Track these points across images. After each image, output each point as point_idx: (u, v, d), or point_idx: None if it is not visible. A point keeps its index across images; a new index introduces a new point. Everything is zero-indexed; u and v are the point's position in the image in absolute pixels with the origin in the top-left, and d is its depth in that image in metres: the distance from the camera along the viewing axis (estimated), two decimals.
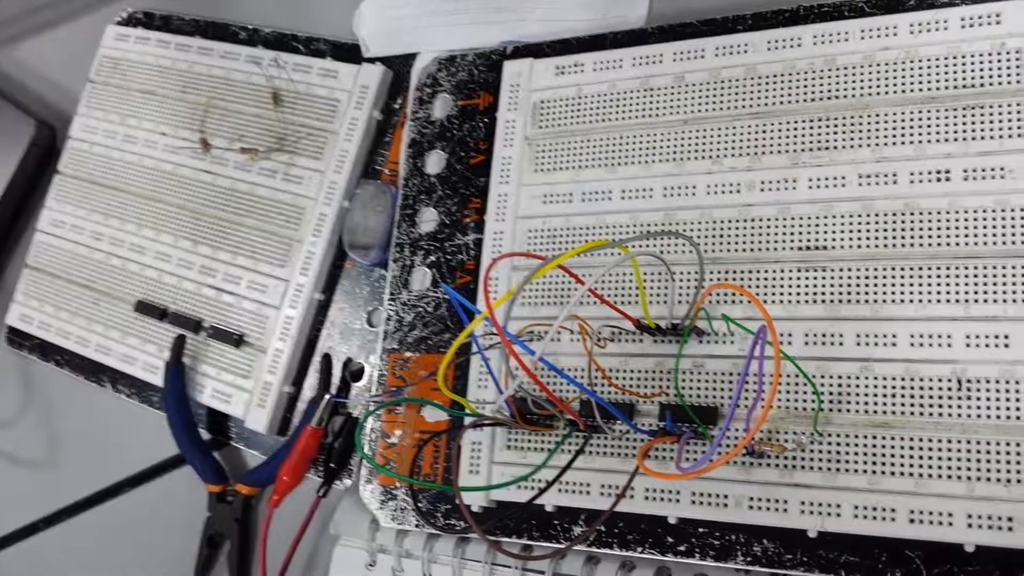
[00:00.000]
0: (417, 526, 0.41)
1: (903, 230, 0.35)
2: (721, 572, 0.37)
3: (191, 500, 0.52)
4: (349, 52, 0.54)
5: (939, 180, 0.35)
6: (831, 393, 0.34)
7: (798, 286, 0.36)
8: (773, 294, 0.36)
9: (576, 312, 0.38)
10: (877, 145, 0.36)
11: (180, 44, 0.60)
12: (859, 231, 0.35)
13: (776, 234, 0.37)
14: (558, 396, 0.38)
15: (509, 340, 0.27)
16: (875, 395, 0.34)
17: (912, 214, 0.35)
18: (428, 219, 0.46)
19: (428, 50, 0.49)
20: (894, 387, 0.33)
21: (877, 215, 0.35)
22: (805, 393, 0.35)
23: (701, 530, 0.36)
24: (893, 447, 0.33)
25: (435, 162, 0.46)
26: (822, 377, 0.35)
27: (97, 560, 0.55)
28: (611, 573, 0.38)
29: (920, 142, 0.35)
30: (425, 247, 0.45)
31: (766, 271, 0.37)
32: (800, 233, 0.36)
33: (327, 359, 0.49)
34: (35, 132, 0.62)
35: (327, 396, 0.46)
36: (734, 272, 0.37)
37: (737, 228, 0.38)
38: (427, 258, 0.45)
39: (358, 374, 0.49)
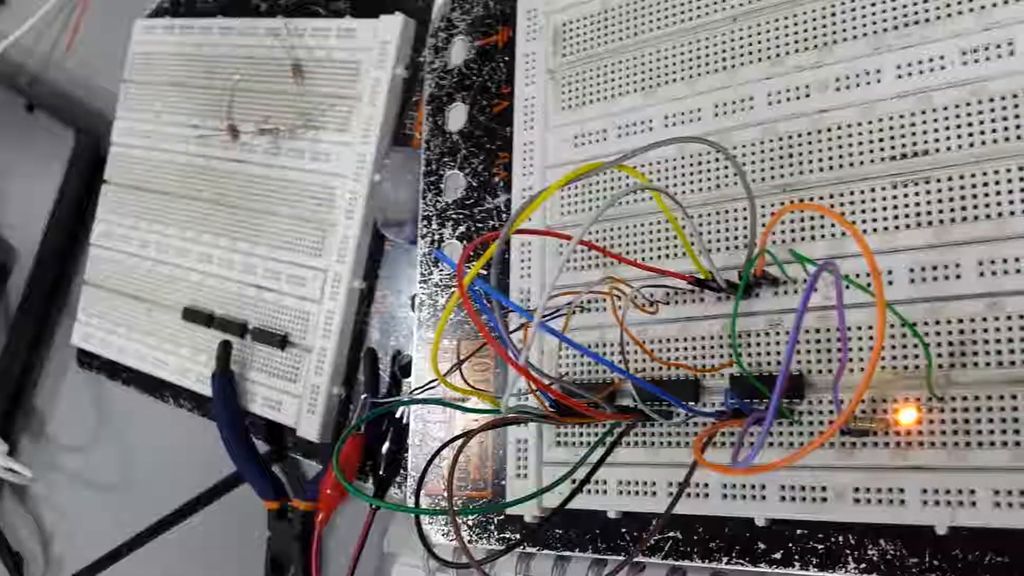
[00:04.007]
0: (470, 541, 0.35)
1: None
2: None
3: (256, 518, 0.48)
4: (370, 6, 0.48)
5: None
6: (951, 344, 0.26)
7: (895, 207, 0.27)
8: (864, 221, 0.28)
9: (610, 274, 0.31)
10: (983, 8, 0.27)
11: (203, 27, 0.55)
12: (969, 125, 0.27)
13: (861, 143, 0.28)
14: (600, 379, 0.32)
15: (470, 298, 0.21)
16: (1010, 341, 0.25)
17: None
18: (454, 184, 0.39)
19: None
20: None
21: (991, 100, 0.26)
22: (916, 347, 0.26)
23: (799, 532, 0.28)
24: None
25: (457, 116, 0.40)
26: (936, 324, 0.26)
27: None
28: None
29: None
30: (454, 217, 0.39)
31: (852, 192, 0.28)
32: (892, 138, 0.28)
33: (372, 355, 0.43)
34: (75, 143, 0.59)
35: (363, 397, 0.40)
36: (812, 200, 0.29)
37: (810, 143, 0.29)
38: (457, 229, 0.38)
39: (407, 368, 0.43)
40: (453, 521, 0.23)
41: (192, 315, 0.51)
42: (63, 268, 0.62)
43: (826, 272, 0.23)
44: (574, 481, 0.27)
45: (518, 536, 0.34)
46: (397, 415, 0.41)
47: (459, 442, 0.25)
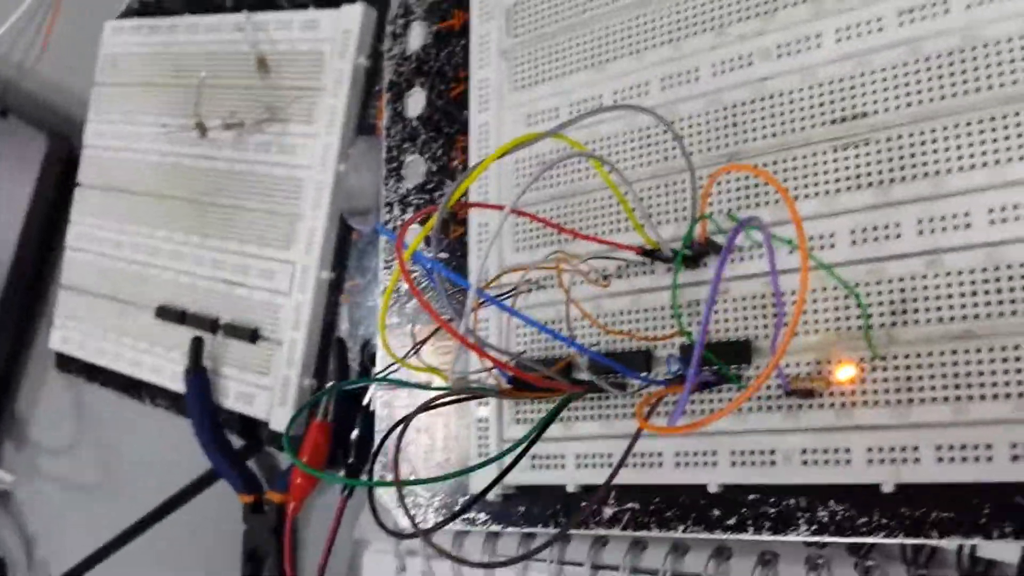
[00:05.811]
0: (437, 523, 0.36)
1: (963, 73, 0.26)
2: (792, 547, 0.29)
3: (235, 512, 0.48)
4: None
5: None
6: (891, 303, 0.26)
7: (836, 169, 0.28)
8: (807, 185, 0.28)
9: (560, 250, 0.31)
10: None
11: (169, 26, 0.56)
12: (906, 85, 0.27)
13: (803, 109, 0.29)
14: (555, 355, 0.32)
15: (404, 263, 0.21)
16: (950, 297, 0.25)
17: (974, 49, 0.26)
18: (414, 170, 0.39)
19: None
20: (974, 283, 0.25)
21: (928, 60, 0.26)
22: (858, 307, 0.27)
23: (751, 497, 0.28)
24: (981, 363, 0.24)
25: (415, 102, 0.40)
26: (878, 284, 0.26)
27: None
28: (659, 559, 0.31)
29: None
30: (415, 202, 0.39)
31: (795, 158, 0.28)
32: (832, 102, 0.28)
33: (340, 344, 0.44)
34: (47, 146, 0.59)
35: (329, 386, 0.41)
36: (756, 167, 0.29)
37: (753, 110, 0.30)
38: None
39: (375, 357, 0.43)
40: (398, 489, 0.24)
41: (165, 313, 0.51)
42: (39, 272, 0.62)
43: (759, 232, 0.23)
44: (526, 451, 0.28)
45: (484, 515, 0.34)
46: (365, 402, 0.41)
47: (411, 420, 0.25)
